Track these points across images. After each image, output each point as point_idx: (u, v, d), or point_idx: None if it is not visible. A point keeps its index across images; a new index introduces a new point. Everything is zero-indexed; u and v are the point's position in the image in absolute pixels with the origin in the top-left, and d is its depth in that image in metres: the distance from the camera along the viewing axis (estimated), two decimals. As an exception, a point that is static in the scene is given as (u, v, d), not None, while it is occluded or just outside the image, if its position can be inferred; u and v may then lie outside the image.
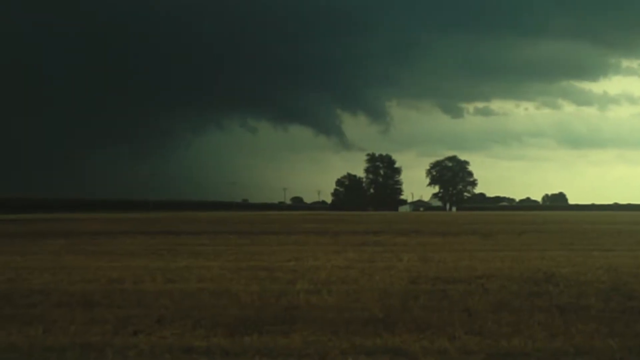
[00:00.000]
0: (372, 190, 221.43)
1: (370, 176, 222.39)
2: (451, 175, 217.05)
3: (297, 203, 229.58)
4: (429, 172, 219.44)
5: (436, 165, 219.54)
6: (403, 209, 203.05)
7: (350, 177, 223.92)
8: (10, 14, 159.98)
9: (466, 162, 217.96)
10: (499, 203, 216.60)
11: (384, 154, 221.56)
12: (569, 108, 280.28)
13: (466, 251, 18.11)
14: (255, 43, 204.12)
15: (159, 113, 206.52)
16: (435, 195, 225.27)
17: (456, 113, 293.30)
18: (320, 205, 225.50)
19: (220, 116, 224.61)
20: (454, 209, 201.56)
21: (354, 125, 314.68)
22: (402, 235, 27.89)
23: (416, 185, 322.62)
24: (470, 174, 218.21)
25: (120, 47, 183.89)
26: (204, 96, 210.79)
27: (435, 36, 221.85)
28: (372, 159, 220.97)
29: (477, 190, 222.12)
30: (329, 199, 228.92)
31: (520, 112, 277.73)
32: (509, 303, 8.94)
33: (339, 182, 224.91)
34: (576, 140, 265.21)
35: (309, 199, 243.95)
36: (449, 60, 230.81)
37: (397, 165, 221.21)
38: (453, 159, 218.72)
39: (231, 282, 11.19)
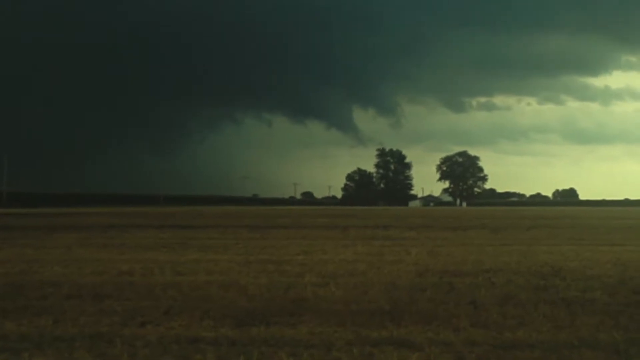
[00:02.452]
0: (382, 185, 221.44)
1: (381, 171, 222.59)
2: (461, 171, 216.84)
3: (308, 198, 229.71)
4: (439, 167, 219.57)
5: (446, 161, 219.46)
6: (413, 204, 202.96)
7: (361, 172, 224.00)
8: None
9: (476, 158, 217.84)
10: (509, 198, 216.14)
11: (394, 149, 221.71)
12: (572, 103, 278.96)
13: (475, 245, 18.12)
14: (271, 37, 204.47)
15: (173, 107, 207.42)
16: (445, 191, 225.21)
17: (459, 108, 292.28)
18: (330, 200, 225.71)
19: (234, 110, 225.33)
20: (464, 204, 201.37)
21: (365, 119, 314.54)
22: (412, 229, 27.92)
23: (426, 181, 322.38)
24: (481, 169, 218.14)
25: (136, 43, 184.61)
26: (219, 90, 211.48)
27: (440, 32, 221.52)
28: (382, 154, 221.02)
29: (487, 185, 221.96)
30: (339, 194, 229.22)
31: (522, 108, 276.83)
32: (515, 296, 8.98)
33: (349, 177, 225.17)
34: (582, 136, 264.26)
35: (319, 194, 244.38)
36: (453, 56, 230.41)
37: (407, 160, 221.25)
38: (463, 154, 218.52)
39: (240, 275, 11.27)
